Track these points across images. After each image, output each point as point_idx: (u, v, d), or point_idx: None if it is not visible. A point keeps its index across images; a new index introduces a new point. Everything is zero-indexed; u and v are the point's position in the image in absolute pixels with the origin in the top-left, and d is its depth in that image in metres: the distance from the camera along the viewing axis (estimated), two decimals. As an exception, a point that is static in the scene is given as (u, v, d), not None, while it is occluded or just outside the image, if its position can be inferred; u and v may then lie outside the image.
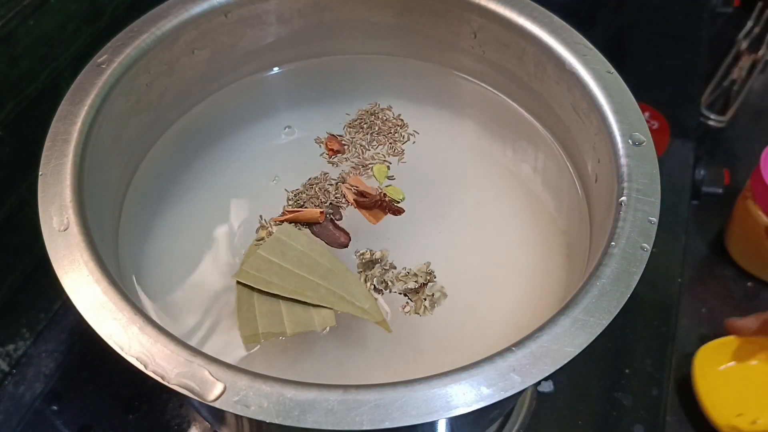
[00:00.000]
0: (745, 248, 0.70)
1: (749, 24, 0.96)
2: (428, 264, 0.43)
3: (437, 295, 0.41)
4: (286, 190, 0.47)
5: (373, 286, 0.42)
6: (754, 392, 0.56)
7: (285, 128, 0.52)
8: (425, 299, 0.41)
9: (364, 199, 0.44)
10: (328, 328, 0.39)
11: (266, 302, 0.40)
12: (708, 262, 0.72)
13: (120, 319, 0.32)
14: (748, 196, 0.68)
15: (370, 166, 0.48)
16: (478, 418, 0.45)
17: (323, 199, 0.46)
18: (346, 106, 0.53)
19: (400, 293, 0.42)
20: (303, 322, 0.39)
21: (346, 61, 0.56)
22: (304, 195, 0.46)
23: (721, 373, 0.58)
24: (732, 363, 0.58)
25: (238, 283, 0.40)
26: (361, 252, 0.43)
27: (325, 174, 0.48)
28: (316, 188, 0.46)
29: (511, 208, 0.47)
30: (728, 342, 0.59)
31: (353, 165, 0.48)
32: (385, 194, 0.46)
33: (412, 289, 0.41)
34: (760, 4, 0.98)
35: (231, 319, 0.42)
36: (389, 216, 0.46)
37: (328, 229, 0.43)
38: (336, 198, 0.46)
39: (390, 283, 0.42)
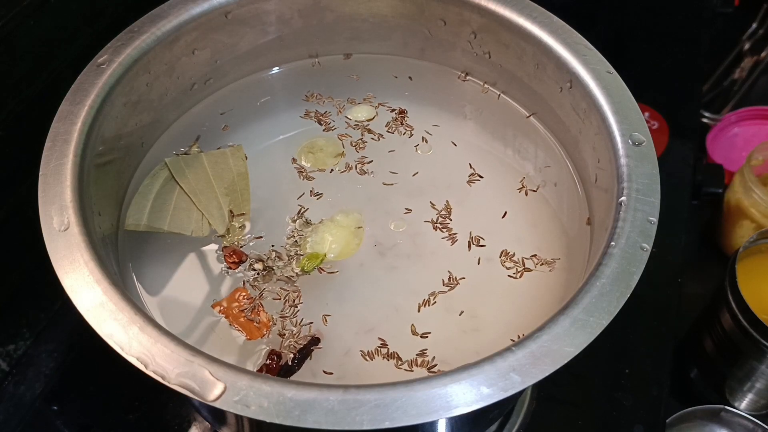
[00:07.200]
0: (734, 242, 0.71)
1: (753, 26, 0.97)
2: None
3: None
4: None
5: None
6: None
7: (284, 128, 0.52)
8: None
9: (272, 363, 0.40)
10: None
11: (161, 197, 0.46)
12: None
13: (120, 319, 0.32)
14: (737, 191, 0.69)
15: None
16: (478, 417, 0.45)
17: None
18: (345, 106, 0.53)
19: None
20: (181, 225, 0.45)
21: (346, 61, 0.56)
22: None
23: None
24: None
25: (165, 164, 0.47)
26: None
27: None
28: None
29: (510, 208, 0.47)
30: None
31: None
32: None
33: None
34: (765, 6, 0.98)
35: (231, 319, 0.42)
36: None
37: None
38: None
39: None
